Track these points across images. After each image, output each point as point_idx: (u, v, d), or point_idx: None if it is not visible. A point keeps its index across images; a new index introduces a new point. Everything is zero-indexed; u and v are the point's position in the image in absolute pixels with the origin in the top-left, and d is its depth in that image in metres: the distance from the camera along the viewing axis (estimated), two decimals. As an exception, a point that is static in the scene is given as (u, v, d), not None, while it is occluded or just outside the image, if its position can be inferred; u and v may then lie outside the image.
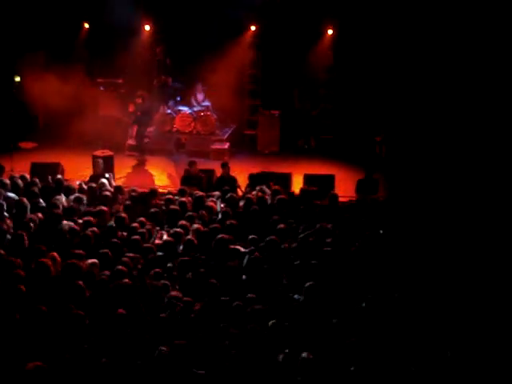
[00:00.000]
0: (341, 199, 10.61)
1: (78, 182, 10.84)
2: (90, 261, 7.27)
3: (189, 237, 8.12)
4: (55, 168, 11.69)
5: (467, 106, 13.65)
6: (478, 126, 13.27)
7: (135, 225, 8.48)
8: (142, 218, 8.76)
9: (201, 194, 9.94)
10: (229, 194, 9.92)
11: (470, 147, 12.89)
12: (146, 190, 10.26)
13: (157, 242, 8.42)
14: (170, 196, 9.92)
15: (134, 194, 10.00)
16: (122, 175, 13.35)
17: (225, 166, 11.61)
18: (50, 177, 10.74)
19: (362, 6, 15.12)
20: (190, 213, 9.03)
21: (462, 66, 13.66)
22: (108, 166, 12.44)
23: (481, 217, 9.39)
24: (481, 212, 9.59)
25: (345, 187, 11.97)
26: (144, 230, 8.34)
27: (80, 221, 8.68)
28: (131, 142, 15.53)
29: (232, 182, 11.28)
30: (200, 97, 16.17)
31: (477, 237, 8.46)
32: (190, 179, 11.48)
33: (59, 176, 10.75)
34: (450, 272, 7.24)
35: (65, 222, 8.61)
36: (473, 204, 10.04)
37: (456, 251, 7.86)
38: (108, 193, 9.91)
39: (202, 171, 11.92)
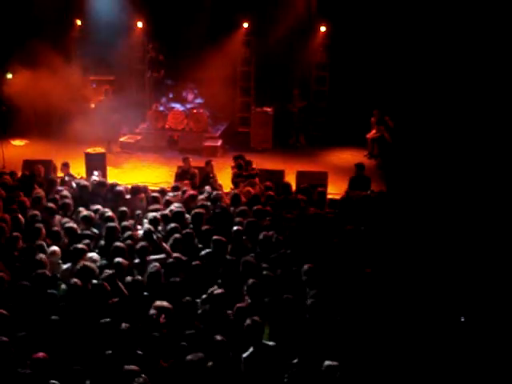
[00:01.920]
0: (334, 196, 10.66)
1: (66, 178, 10.85)
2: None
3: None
4: (47, 165, 11.63)
5: (463, 103, 13.66)
6: (475, 123, 13.28)
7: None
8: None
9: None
10: (214, 192, 9.90)
11: (468, 145, 12.90)
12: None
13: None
14: (157, 194, 9.86)
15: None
16: (114, 172, 13.31)
17: (208, 163, 11.66)
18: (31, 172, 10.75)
19: (355, 3, 15.14)
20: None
21: (458, 61, 13.67)
22: (100, 163, 12.42)
23: (479, 213, 9.40)
24: (479, 208, 9.58)
25: (338, 184, 12.00)
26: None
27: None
28: (123, 139, 15.56)
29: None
30: (190, 97, 16.18)
31: (475, 233, 8.47)
32: (183, 175, 11.48)
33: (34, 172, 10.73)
34: (446, 268, 7.23)
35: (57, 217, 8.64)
36: (471, 200, 10.06)
37: (453, 247, 7.87)
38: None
39: (196, 168, 11.91)
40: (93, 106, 15.12)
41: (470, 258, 7.60)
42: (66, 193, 9.54)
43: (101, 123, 14.45)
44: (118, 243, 7.36)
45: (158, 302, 6.09)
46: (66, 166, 11.36)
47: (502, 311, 6.42)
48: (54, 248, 7.43)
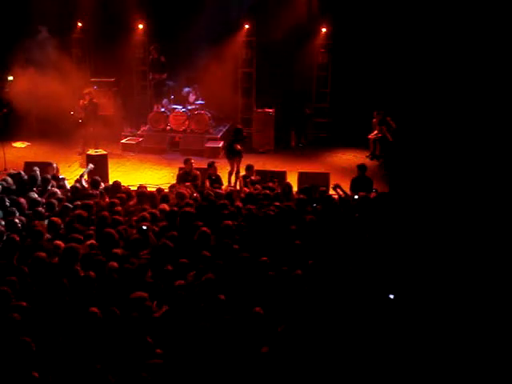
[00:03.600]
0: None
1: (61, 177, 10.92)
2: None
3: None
4: (47, 167, 11.59)
5: (465, 103, 13.61)
6: (477, 123, 13.23)
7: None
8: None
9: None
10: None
11: (470, 145, 12.85)
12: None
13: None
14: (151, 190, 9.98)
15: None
16: (116, 174, 13.28)
17: (211, 165, 11.65)
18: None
19: (356, 4, 15.14)
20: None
21: (459, 61, 13.61)
22: (101, 165, 12.43)
23: (481, 213, 9.34)
24: (481, 208, 9.53)
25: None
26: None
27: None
28: (124, 140, 15.58)
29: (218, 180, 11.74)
30: (192, 98, 16.18)
31: (477, 232, 8.43)
32: (185, 177, 11.47)
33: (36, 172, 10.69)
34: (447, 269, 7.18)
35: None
36: (473, 200, 10.02)
37: (454, 248, 7.83)
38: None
39: (198, 169, 11.89)
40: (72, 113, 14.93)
41: (470, 257, 7.57)
42: (58, 194, 9.61)
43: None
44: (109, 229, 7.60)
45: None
46: (51, 166, 11.36)
47: (501, 312, 6.38)
48: (58, 241, 7.46)
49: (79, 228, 7.94)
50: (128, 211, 9.02)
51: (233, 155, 12.67)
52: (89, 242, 7.40)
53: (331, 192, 10.58)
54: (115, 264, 6.77)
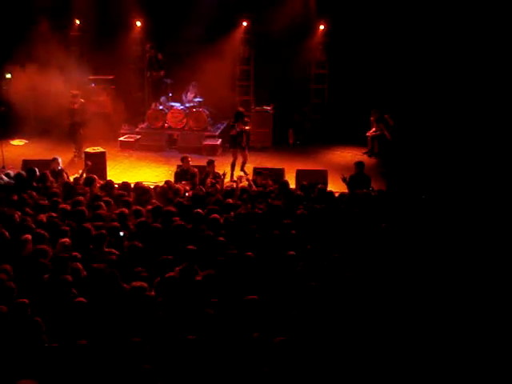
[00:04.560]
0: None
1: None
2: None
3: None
4: (46, 165, 11.60)
5: (463, 100, 13.62)
6: (475, 120, 13.25)
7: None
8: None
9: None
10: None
11: (467, 142, 12.87)
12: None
13: None
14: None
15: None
16: (113, 172, 13.28)
17: (210, 163, 11.66)
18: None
19: (354, 1, 15.13)
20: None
21: (457, 58, 13.62)
22: (99, 162, 12.42)
23: (479, 211, 9.36)
24: (480, 206, 9.54)
25: (337, 183, 11.98)
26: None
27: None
28: (123, 138, 15.57)
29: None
30: (190, 96, 16.16)
31: (475, 230, 8.44)
32: (183, 174, 11.47)
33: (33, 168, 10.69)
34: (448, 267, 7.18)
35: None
36: (472, 197, 10.03)
37: (452, 245, 7.84)
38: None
39: (196, 167, 11.89)
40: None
41: (469, 256, 7.57)
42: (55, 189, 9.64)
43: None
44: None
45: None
46: (54, 161, 11.34)
47: (501, 311, 6.38)
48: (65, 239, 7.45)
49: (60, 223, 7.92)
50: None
51: (233, 145, 12.64)
52: (63, 240, 7.31)
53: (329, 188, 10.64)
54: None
